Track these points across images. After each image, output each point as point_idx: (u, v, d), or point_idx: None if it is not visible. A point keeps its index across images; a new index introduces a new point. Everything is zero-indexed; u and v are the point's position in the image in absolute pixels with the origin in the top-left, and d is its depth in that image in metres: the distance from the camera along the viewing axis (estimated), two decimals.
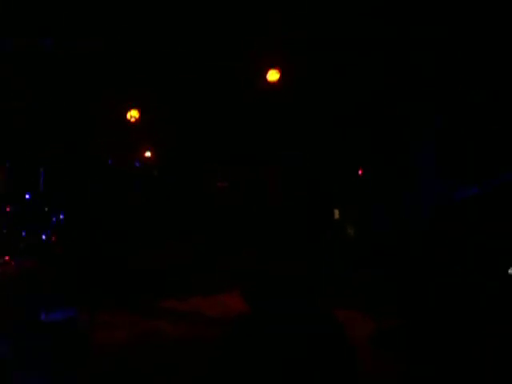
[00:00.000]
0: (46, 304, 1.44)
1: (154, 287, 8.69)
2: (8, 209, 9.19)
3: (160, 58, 9.65)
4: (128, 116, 10.64)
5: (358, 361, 2.17)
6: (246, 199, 10.79)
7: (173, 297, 8.47)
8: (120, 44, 9.12)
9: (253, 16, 8.94)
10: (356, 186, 9.75)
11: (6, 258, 8.66)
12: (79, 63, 9.47)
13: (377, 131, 9.04)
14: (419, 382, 3.50)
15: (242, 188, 10.82)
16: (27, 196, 9.54)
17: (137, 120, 10.48)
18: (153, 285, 8.75)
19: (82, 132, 10.38)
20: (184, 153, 11.03)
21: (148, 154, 11.29)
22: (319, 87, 10.10)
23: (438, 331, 3.59)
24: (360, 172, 9.72)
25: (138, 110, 10.80)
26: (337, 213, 11.23)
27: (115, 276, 8.39)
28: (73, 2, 8.18)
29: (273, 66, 10.34)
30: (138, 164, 9.81)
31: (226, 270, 9.44)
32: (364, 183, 9.52)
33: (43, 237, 9.15)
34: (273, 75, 10.65)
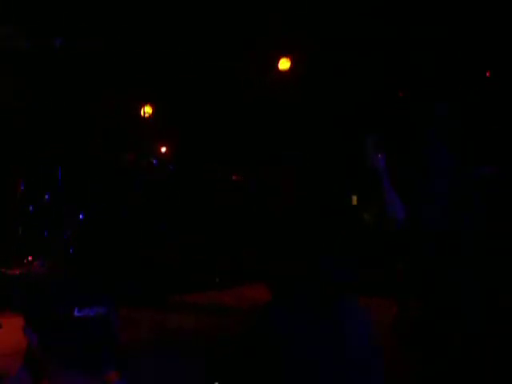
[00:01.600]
0: (75, 301, 1.47)
1: (175, 283, 8.74)
2: (30, 209, 9.30)
3: (170, 54, 9.68)
4: (142, 112, 10.72)
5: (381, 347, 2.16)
6: (261, 193, 10.78)
7: (195, 291, 8.54)
8: (134, 40, 9.17)
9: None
10: (374, 172, 9.69)
11: (30, 257, 8.78)
12: (91, 61, 9.54)
13: (392, 118, 9.01)
14: (437, 371, 3.50)
15: (257, 182, 10.81)
16: (47, 196, 9.61)
17: (151, 116, 10.57)
18: (174, 280, 8.80)
19: (98, 131, 10.46)
20: (198, 149, 11.06)
21: (163, 149, 11.37)
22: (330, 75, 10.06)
23: (458, 322, 3.58)
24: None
25: (152, 106, 10.86)
26: (355, 199, 11.19)
27: (137, 273, 8.45)
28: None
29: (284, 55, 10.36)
30: (155, 161, 9.85)
31: (246, 263, 9.48)
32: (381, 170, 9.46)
33: (65, 236, 9.24)
34: (284, 64, 10.65)
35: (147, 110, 10.45)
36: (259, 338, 2.12)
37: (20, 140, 9.94)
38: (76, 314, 1.63)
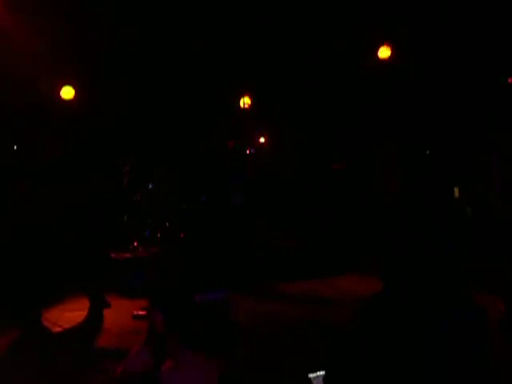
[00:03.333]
0: (195, 286, 1.56)
1: (268, 271, 8.86)
2: (138, 197, 9.74)
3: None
4: (241, 103, 10.91)
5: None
6: (362, 183, 10.67)
7: (286, 280, 8.63)
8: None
9: None
10: (476, 164, 9.39)
11: (135, 243, 9.24)
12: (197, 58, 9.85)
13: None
14: None
15: (358, 171, 10.70)
16: (150, 186, 10.00)
17: (250, 106, 10.72)
18: (267, 269, 8.93)
19: (201, 122, 10.77)
20: (297, 138, 11.10)
21: (262, 139, 11.51)
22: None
23: None
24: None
25: (251, 97, 11.02)
26: (456, 191, 10.83)
27: (232, 261, 8.63)
28: None
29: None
30: (253, 151, 10.01)
31: (337, 254, 9.45)
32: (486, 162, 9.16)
33: (167, 224, 9.59)
34: (384, 52, 10.47)
35: (246, 101, 10.62)
36: (372, 331, 2.14)
37: (126, 135, 10.46)
38: (196, 298, 1.74)
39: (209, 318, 1.47)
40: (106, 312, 7.04)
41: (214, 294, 1.42)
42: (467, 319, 2.17)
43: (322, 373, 2.18)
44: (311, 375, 2.20)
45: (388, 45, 10.34)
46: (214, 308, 1.43)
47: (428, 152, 10.52)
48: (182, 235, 9.17)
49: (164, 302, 1.77)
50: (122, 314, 7.09)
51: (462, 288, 2.21)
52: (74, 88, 10.10)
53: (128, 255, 8.62)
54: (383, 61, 10.35)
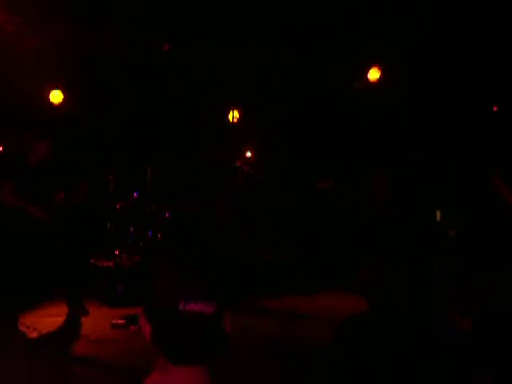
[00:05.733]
0: (180, 295, 1.53)
1: (251, 286, 8.83)
2: (118, 206, 9.66)
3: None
4: (230, 117, 10.94)
5: None
6: (349, 201, 10.72)
7: (268, 296, 8.60)
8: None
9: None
10: (460, 187, 9.50)
11: (116, 251, 9.14)
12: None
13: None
14: None
15: (344, 190, 10.76)
16: (135, 194, 9.94)
17: (238, 120, 10.76)
18: (250, 283, 8.89)
19: (189, 134, 10.77)
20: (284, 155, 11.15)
21: (248, 154, 11.53)
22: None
23: None
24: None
25: (239, 111, 11.05)
26: (438, 215, 10.92)
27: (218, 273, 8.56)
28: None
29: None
30: (240, 164, 10.01)
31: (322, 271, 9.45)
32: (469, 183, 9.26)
33: (149, 233, 9.52)
34: (373, 74, 10.59)
35: (235, 115, 10.65)
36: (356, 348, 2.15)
37: (112, 141, 10.43)
38: (181, 307, 1.70)
39: (191, 330, 1.46)
40: (85, 319, 6.95)
41: (201, 305, 1.41)
42: (445, 333, 2.20)
43: None
44: None
45: (378, 67, 10.48)
46: (198, 319, 1.42)
47: (413, 175, 10.61)
48: (167, 245, 9.12)
49: (149, 311, 1.73)
50: (101, 322, 7.01)
51: (438, 305, 2.24)
52: (63, 92, 10.07)
53: (109, 263, 8.54)
54: (373, 83, 10.49)
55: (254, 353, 5.76)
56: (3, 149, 8.81)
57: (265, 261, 9.55)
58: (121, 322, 6.96)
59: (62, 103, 10.11)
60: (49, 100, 10.08)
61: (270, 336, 6.49)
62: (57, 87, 10.10)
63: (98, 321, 7.09)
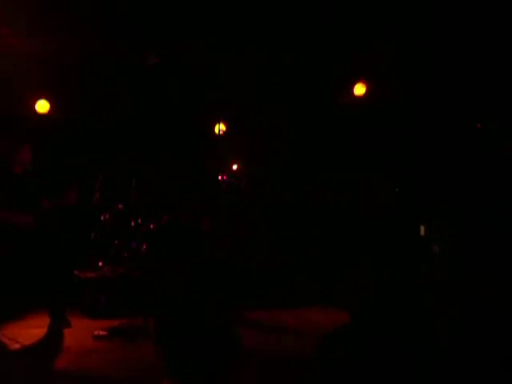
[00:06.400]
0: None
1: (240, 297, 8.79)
2: (102, 218, 9.61)
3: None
4: (216, 129, 10.93)
5: None
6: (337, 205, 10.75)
7: (256, 308, 8.58)
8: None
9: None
10: (446, 200, 9.58)
11: (100, 263, 9.08)
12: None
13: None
14: None
15: (332, 194, 10.79)
16: (119, 206, 9.90)
17: (225, 133, 10.75)
18: (239, 294, 8.86)
19: (175, 146, 10.77)
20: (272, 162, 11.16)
21: (235, 167, 11.52)
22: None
23: None
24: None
25: (226, 123, 11.05)
26: (422, 229, 10.98)
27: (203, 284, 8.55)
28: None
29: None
30: (226, 178, 10.02)
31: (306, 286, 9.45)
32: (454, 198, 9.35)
33: (133, 245, 9.48)
34: (359, 89, 10.67)
35: (222, 128, 10.65)
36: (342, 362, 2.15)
37: (98, 151, 10.39)
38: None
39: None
40: (67, 331, 6.89)
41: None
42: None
43: None
44: None
45: (363, 82, 10.56)
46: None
47: (397, 189, 10.68)
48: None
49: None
50: (84, 334, 6.95)
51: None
52: (50, 102, 10.03)
53: (92, 274, 8.49)
54: (359, 98, 10.56)
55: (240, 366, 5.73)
56: None
57: (254, 270, 9.53)
58: (103, 333, 6.91)
59: (48, 111, 10.07)
60: (35, 109, 10.03)
61: (258, 349, 6.47)
62: (44, 97, 10.06)
63: (80, 332, 7.03)
